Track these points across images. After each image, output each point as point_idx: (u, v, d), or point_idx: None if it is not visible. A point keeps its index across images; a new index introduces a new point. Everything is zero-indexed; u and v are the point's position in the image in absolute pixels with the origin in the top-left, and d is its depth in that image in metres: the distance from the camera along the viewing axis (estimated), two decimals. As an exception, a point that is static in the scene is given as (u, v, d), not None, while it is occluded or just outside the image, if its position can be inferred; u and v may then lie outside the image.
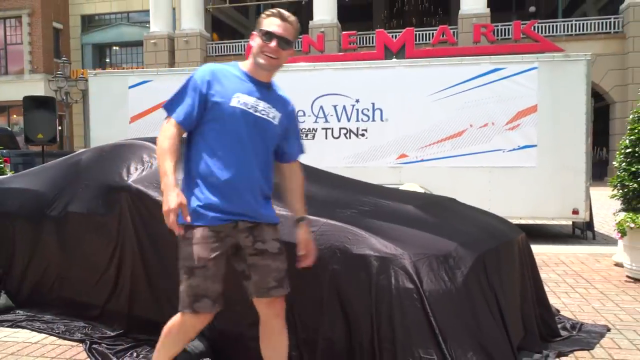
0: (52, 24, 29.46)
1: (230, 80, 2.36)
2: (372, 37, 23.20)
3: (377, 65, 9.01)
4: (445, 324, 2.63)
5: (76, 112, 28.77)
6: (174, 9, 27.02)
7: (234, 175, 2.30)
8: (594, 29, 22.50)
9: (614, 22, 22.37)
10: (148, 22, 27.98)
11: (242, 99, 2.33)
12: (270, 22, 2.34)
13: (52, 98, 9.26)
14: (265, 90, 2.41)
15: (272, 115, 2.39)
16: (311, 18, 24.59)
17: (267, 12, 2.39)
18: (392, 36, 22.14)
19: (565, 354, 3.42)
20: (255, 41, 2.36)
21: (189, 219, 2.23)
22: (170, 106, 2.36)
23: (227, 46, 26.60)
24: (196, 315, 2.35)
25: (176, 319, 2.43)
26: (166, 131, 2.31)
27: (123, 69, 29.12)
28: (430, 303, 2.64)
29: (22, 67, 29.10)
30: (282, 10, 2.38)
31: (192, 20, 25.79)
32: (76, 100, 22.35)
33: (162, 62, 25.87)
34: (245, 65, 2.43)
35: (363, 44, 23.72)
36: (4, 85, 28.71)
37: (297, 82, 8.30)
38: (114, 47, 31.87)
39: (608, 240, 8.22)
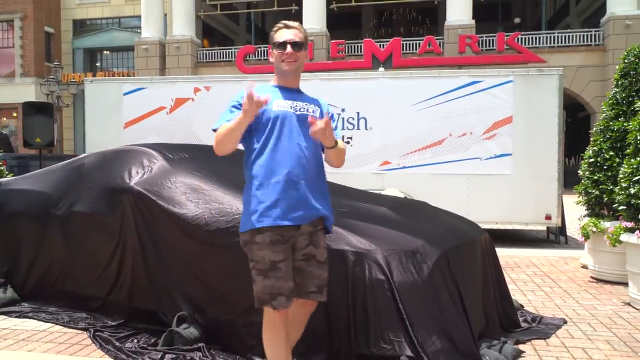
0: (44, 28, 29.64)
1: (264, 92, 2.56)
2: (360, 46, 23.63)
3: (362, 76, 9.43)
4: (412, 311, 3.01)
5: (66, 115, 28.94)
6: (165, 15, 27.32)
7: (288, 171, 2.51)
8: (576, 41, 23.10)
9: (595, 34, 22.99)
10: (139, 27, 28.24)
11: (281, 103, 2.61)
12: (280, 34, 2.63)
13: (50, 104, 9.59)
14: (297, 93, 2.70)
15: (312, 110, 2.67)
16: (301, 26, 24.96)
17: (275, 28, 2.68)
18: (380, 45, 22.66)
19: (523, 342, 3.81)
20: (274, 55, 2.65)
21: (263, 96, 2.38)
22: (217, 124, 2.60)
23: (217, 53, 26.91)
24: (277, 312, 2.56)
25: (265, 325, 2.64)
26: (218, 132, 2.55)
27: (114, 73, 29.36)
28: (400, 293, 3.03)
29: (13, 70, 29.24)
30: (286, 21, 2.71)
31: (183, 26, 26.08)
32: (67, 104, 22.55)
33: (153, 67, 26.15)
34: (273, 80, 2.72)
35: (351, 52, 24.14)
36: (-6, 88, 28.86)
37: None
38: (105, 52, 32.09)
39: (580, 245, 8.62)
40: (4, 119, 29.30)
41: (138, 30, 28.60)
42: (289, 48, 2.60)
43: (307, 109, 2.65)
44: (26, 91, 28.15)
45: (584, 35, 23.18)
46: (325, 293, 2.69)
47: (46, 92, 21.10)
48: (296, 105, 2.64)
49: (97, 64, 32.15)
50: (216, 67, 25.91)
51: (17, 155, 11.71)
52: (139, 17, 28.19)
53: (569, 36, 23.31)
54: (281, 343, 2.60)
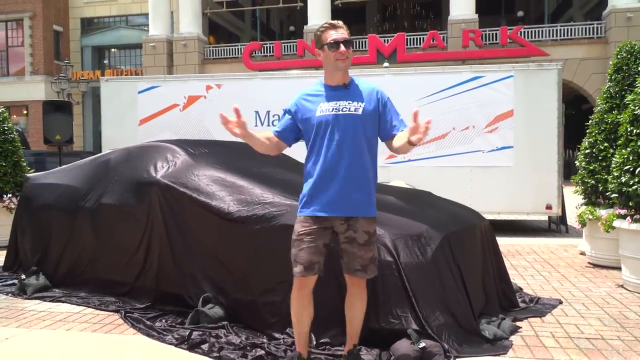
0: (53, 26, 30.03)
1: (313, 97, 2.92)
2: (365, 41, 23.88)
3: (367, 73, 9.75)
4: (418, 290, 3.33)
5: (76, 113, 29.26)
6: (172, 12, 27.64)
7: (325, 170, 2.82)
8: (578, 34, 23.29)
9: (597, 27, 23.17)
10: (146, 25, 28.60)
11: (324, 107, 2.86)
12: (329, 35, 2.83)
13: (69, 102, 9.97)
14: (342, 90, 2.89)
15: (355, 107, 2.85)
16: (306, 23, 25.27)
17: (321, 29, 2.88)
18: (384, 40, 22.89)
19: (520, 319, 4.12)
20: (325, 54, 2.86)
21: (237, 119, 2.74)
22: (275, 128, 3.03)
23: (223, 49, 27.22)
24: (296, 278, 2.89)
25: (293, 288, 2.97)
26: None
27: (122, 71, 29.72)
28: (406, 273, 3.35)
29: (22, 68, 29.67)
30: (332, 21, 2.89)
31: (190, 24, 26.40)
32: (77, 101, 22.93)
33: (161, 64, 26.49)
34: (324, 78, 2.96)
35: (356, 47, 24.38)
36: (5, 86, 29.27)
37: (295, 87, 9.00)
38: (113, 50, 32.47)
39: (580, 234, 8.91)
40: (14, 116, 29.70)
41: (145, 28, 28.95)
42: (342, 47, 2.80)
43: (350, 108, 2.84)
44: (36, 89, 28.60)
45: (586, 28, 23.37)
46: (371, 271, 2.95)
47: (57, 89, 21.49)
48: (339, 106, 2.85)
49: (105, 62, 32.52)
50: (223, 63, 26.23)
51: (34, 152, 12.07)
52: (146, 15, 28.54)
53: (571, 29, 23.50)
54: (301, 301, 2.93)
